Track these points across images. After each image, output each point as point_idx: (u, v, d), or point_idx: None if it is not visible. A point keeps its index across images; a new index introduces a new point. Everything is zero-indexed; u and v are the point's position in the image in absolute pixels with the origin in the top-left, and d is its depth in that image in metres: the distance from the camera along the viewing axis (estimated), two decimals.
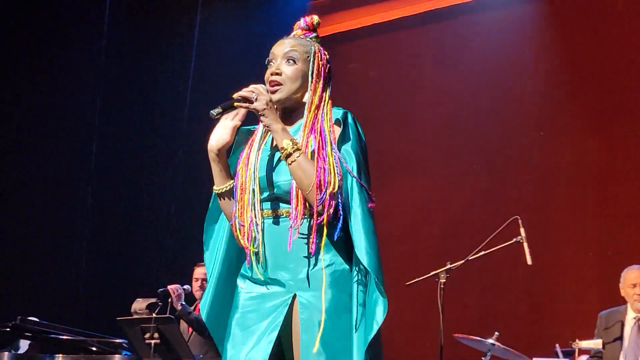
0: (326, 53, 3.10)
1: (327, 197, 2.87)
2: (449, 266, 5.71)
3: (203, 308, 3.12)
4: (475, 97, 8.05)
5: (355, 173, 2.93)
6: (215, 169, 3.05)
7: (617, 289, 6.10)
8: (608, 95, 7.46)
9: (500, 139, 7.89)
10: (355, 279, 2.95)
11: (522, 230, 5.69)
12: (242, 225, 2.97)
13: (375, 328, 2.86)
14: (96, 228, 7.85)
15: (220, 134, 3.02)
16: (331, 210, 2.88)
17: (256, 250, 2.98)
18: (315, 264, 2.93)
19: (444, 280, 5.75)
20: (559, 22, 7.81)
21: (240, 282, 3.06)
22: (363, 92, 8.48)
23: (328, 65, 3.08)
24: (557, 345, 5.89)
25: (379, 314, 2.86)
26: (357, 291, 2.94)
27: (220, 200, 3.07)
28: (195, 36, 8.23)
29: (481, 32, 8.13)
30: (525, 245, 5.66)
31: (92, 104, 7.95)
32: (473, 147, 7.99)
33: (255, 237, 2.97)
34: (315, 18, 3.15)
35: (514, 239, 5.70)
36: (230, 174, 3.07)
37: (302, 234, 2.94)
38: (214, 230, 3.18)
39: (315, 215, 2.89)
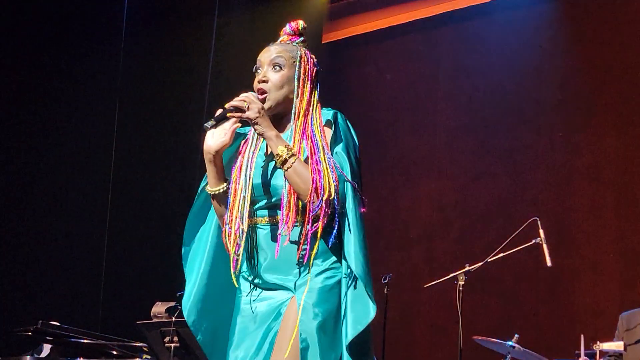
0: (313, 57, 3.12)
1: (323, 203, 2.87)
2: (467, 268, 5.71)
3: (185, 305, 3.10)
4: (493, 97, 8.03)
5: (349, 177, 2.93)
6: (211, 171, 3.04)
7: (638, 289, 6.05)
8: (627, 96, 7.42)
9: (518, 139, 7.87)
10: (347, 283, 2.95)
11: (541, 232, 5.67)
12: (232, 233, 2.98)
13: (359, 329, 2.87)
14: (116, 231, 7.88)
15: (219, 135, 3.01)
16: (327, 218, 2.89)
17: (238, 257, 2.99)
18: (310, 271, 2.93)
19: (463, 283, 5.74)
20: (577, 21, 7.78)
21: (242, 285, 3.07)
22: (380, 94, 8.48)
23: (315, 69, 3.09)
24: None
25: (365, 317, 2.88)
26: (348, 295, 2.94)
27: (214, 201, 3.07)
28: (213, 38, 8.25)
29: (498, 33, 8.11)
30: (545, 246, 5.64)
31: (111, 107, 7.98)
32: (491, 148, 7.97)
33: (239, 244, 2.98)
34: (301, 23, 3.17)
35: (533, 241, 5.69)
36: (224, 176, 3.07)
37: (297, 241, 2.94)
38: (197, 228, 3.17)
39: (310, 222, 2.90)
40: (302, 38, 3.14)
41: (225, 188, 3.04)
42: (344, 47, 8.78)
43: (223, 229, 3.01)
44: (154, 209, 8.03)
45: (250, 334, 2.99)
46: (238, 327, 3.02)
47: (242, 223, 2.97)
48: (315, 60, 3.11)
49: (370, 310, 2.87)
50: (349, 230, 2.89)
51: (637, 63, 7.40)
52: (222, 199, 3.04)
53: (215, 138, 3.00)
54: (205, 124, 2.98)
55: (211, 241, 3.11)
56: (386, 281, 6.25)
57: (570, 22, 7.83)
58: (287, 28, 3.15)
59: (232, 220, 2.98)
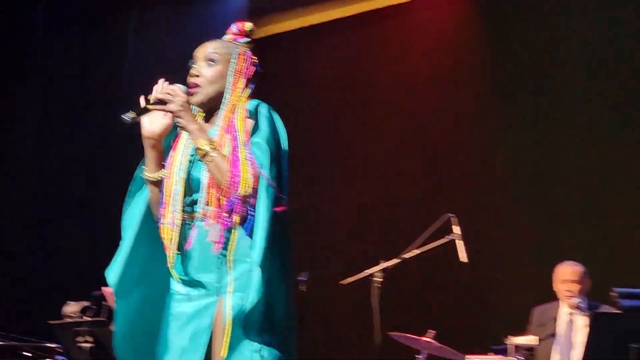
0: (254, 57, 3.13)
1: (239, 199, 2.88)
2: (383, 265, 5.75)
3: (111, 274, 3.05)
4: (410, 96, 8.10)
5: (267, 169, 2.93)
6: (153, 157, 3.04)
7: (552, 285, 6.13)
8: (542, 94, 7.55)
9: (436, 138, 7.95)
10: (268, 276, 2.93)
11: (454, 228, 5.74)
12: (166, 227, 2.99)
13: (241, 312, 2.85)
14: (28, 228, 7.77)
15: (158, 119, 3.01)
16: (242, 212, 2.90)
17: (175, 252, 3.00)
18: (235, 268, 2.94)
19: (380, 279, 5.79)
20: (492, 21, 7.88)
21: (173, 284, 3.07)
22: (303, 92, 8.48)
23: (254, 69, 3.10)
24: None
25: (247, 301, 2.85)
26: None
27: (151, 187, 3.06)
28: (130, 39, 8.19)
29: (416, 32, 8.19)
30: (458, 242, 5.71)
31: (29, 108, 7.88)
32: (409, 146, 8.05)
33: (173, 240, 2.99)
34: (248, 24, 3.18)
35: (446, 237, 5.75)
36: (162, 163, 3.06)
37: (218, 236, 2.95)
38: (131, 202, 3.14)
39: (226, 217, 2.92)
40: (247, 39, 3.14)
41: (163, 175, 3.04)
42: (266, 45, 8.76)
43: (159, 224, 3.01)
44: (68, 205, 7.93)
45: (181, 334, 2.99)
46: (168, 326, 3.02)
47: (176, 218, 2.97)
48: (255, 60, 3.12)
49: (254, 296, 2.84)
50: (257, 223, 2.88)
51: (552, 62, 7.52)
52: (159, 185, 3.04)
53: (155, 122, 3.00)
54: (124, 116, 2.96)
55: (139, 223, 3.08)
56: (303, 279, 6.25)
57: (486, 21, 7.93)
58: (232, 27, 3.16)
59: (165, 215, 2.98)
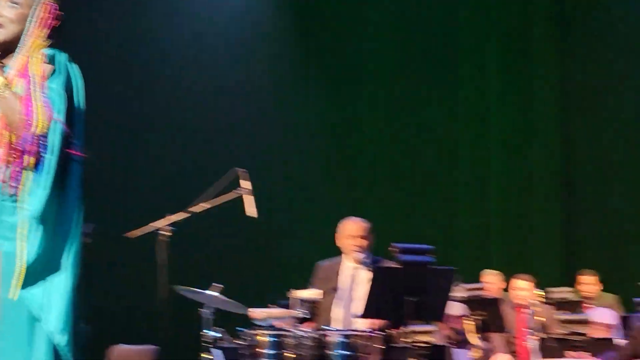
0: (60, 13, 3.08)
1: (34, 139, 2.83)
2: (170, 219, 5.70)
3: None
4: (213, 55, 8.12)
5: (61, 116, 2.89)
6: None
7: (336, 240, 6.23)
8: (340, 59, 7.74)
9: (233, 93, 8.01)
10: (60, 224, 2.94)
11: (242, 182, 5.75)
12: None
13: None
14: None
15: None
16: (36, 154, 2.86)
17: None
18: (25, 215, 2.87)
19: (168, 233, 5.76)
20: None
21: None
22: (96, 47, 8.25)
23: (57, 22, 3.06)
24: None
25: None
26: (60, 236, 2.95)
27: None
28: None
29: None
30: (247, 197, 5.72)
31: None
32: (203, 100, 8.07)
33: None
34: None
35: (234, 191, 5.75)
36: None
37: (7, 179, 2.89)
38: None
39: (19, 158, 2.86)
40: None
41: None
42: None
43: None
44: None
45: None
46: None
47: None
48: (60, 15, 3.07)
49: (32, 245, 2.85)
50: (44, 169, 2.86)
51: (351, 30, 7.70)
52: None
53: None
54: None
55: None
56: (88, 231, 6.10)
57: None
58: None
59: None
